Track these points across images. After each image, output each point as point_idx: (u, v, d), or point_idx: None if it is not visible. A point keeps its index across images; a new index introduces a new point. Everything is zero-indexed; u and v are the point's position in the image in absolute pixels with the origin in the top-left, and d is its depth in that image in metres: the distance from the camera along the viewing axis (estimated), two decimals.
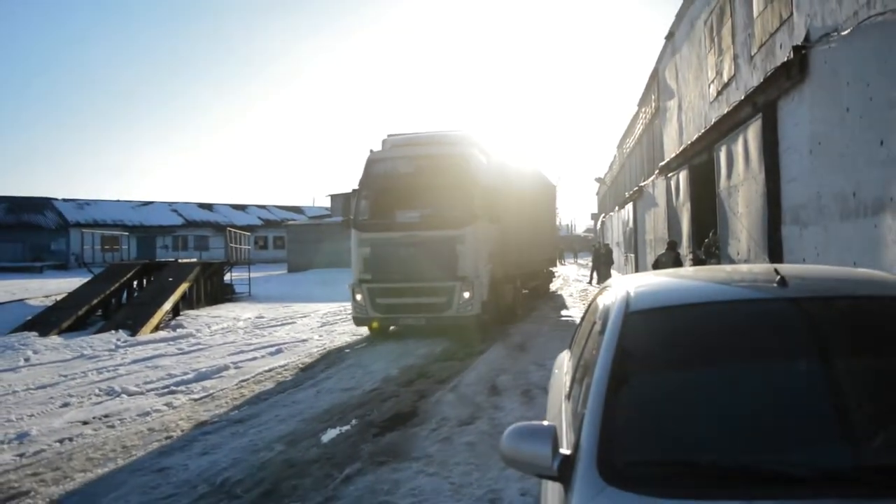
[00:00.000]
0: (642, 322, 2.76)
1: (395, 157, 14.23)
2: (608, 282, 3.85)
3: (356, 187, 14.44)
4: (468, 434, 6.73)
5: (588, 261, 36.18)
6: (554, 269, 28.41)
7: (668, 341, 2.73)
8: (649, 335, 2.75)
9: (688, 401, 2.47)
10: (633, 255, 28.52)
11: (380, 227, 13.64)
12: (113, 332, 14.89)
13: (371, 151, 14.44)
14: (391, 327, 14.25)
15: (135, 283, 21.01)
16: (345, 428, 7.21)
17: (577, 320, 4.53)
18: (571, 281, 33.39)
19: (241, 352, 12.54)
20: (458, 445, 6.38)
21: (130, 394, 9.12)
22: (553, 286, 27.45)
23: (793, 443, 2.25)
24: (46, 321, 15.91)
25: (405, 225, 13.40)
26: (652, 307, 2.91)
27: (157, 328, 16.25)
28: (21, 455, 6.56)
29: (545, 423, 2.51)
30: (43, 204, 62.84)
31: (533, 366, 10.24)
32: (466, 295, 12.91)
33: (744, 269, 4.62)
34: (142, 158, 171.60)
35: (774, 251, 9.58)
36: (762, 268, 3.53)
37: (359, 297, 13.44)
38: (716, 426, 2.33)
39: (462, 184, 13.31)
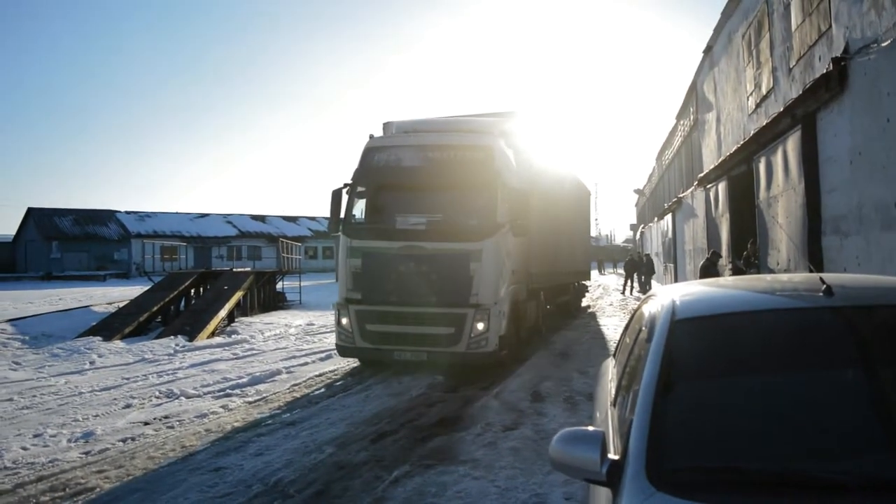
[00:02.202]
0: (689, 330, 2.80)
1: (400, 145, 11.12)
2: (653, 290, 3.89)
3: (348, 181, 11.10)
4: (512, 439, 6.80)
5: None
6: (587, 283, 24.69)
7: (715, 349, 2.77)
8: (696, 343, 2.79)
9: (735, 407, 2.50)
10: (672, 265, 28.34)
11: (375, 233, 10.57)
12: (172, 337, 15.32)
13: (370, 137, 11.34)
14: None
15: (192, 291, 21.57)
16: (393, 431, 7.34)
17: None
18: (611, 290, 33.13)
19: (293, 357, 12.79)
20: (502, 450, 6.45)
21: (188, 396, 9.41)
22: (588, 299, 26.83)
23: (839, 450, 2.28)
24: (110, 326, 16.47)
25: (407, 233, 10.28)
26: (698, 315, 2.95)
27: (213, 334, 16.65)
28: (87, 453, 6.84)
29: (594, 428, 2.57)
30: (107, 216, 65.02)
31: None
32: (480, 327, 9.87)
33: (785, 278, 4.61)
34: (198, 172, 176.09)
35: (815, 261, 9.46)
36: (805, 277, 3.54)
37: (344, 321, 10.47)
38: (763, 433, 2.36)
39: (483, 183, 10.33)
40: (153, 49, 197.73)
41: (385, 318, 10.26)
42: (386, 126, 12.05)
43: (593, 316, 20.40)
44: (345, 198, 10.96)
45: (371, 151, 11.05)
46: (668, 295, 3.20)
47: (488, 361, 10.08)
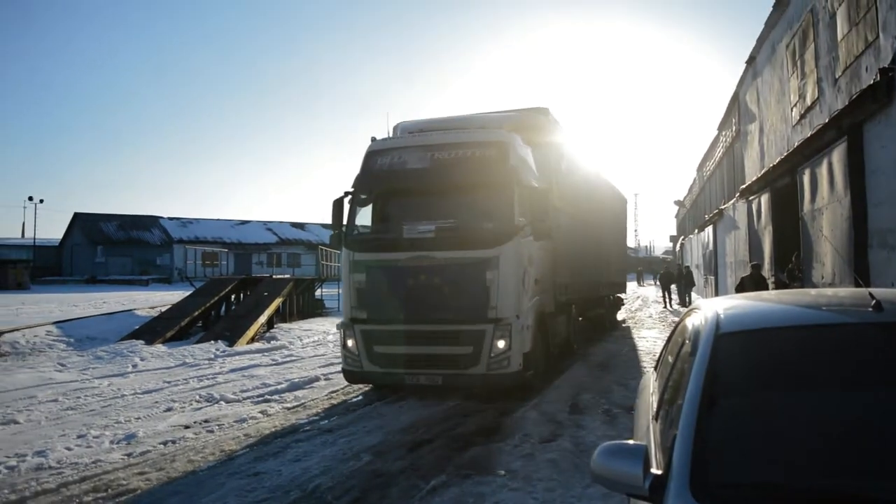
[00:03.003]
0: (733, 344, 2.76)
1: (404, 146, 10.02)
2: (695, 303, 3.84)
3: (350, 188, 9.99)
4: (550, 451, 6.75)
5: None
6: (622, 296, 23.27)
7: (761, 364, 2.72)
8: (741, 357, 2.74)
9: (781, 424, 2.46)
10: (712, 278, 27.99)
11: (379, 244, 9.58)
12: (212, 342, 15.53)
13: (372, 140, 10.33)
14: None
15: (232, 296, 21.84)
16: (429, 440, 7.33)
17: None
18: (651, 302, 32.76)
19: (331, 364, 12.86)
20: (540, 462, 6.41)
21: (228, 401, 9.53)
22: (626, 311, 26.57)
23: (886, 470, 2.23)
24: (152, 330, 16.75)
25: (415, 242, 9.24)
26: (743, 329, 2.91)
27: (252, 340, 16.84)
28: (129, 455, 6.96)
29: (637, 442, 2.54)
30: (150, 222, 66.30)
31: None
32: (501, 345, 8.77)
33: (831, 292, 4.52)
34: (239, 180, 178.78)
35: (861, 275, 9.26)
36: (852, 291, 3.47)
37: (350, 342, 9.41)
38: (809, 450, 2.31)
39: (497, 183, 9.23)
40: (199, 62, 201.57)
41: (394, 339, 9.14)
42: (395, 129, 11.28)
43: (632, 328, 20.19)
44: (346, 207, 9.94)
45: (373, 155, 9.97)
46: (712, 308, 3.16)
47: (512, 384, 9.02)
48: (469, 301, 8.92)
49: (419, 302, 9.07)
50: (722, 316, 2.97)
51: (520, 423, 7.97)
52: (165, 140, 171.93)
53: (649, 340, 16.45)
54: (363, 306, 9.43)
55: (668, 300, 28.99)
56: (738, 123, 23.05)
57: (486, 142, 9.56)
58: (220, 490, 5.86)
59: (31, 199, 71.25)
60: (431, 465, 6.41)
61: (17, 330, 16.23)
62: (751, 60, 19.12)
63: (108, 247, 62.06)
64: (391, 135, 10.92)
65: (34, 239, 67.73)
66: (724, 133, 28.19)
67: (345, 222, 9.86)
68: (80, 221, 64.34)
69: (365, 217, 10.11)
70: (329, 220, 10.07)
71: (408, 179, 9.66)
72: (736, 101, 23.04)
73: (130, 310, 22.08)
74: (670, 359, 3.70)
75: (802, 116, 13.59)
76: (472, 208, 9.40)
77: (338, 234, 9.84)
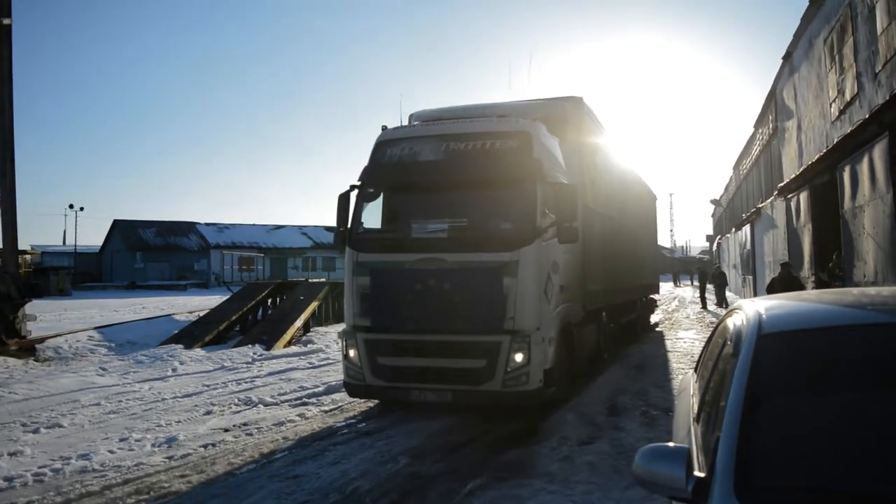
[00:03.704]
0: (777, 344, 2.72)
1: (416, 136, 9.04)
2: (737, 303, 3.79)
3: (356, 182, 9.02)
4: (588, 453, 6.70)
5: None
6: (655, 297, 22.26)
7: (806, 365, 2.68)
8: (785, 358, 2.70)
9: (826, 426, 2.41)
10: (750, 278, 27.60)
11: (386, 245, 8.72)
12: (250, 346, 15.69)
13: (383, 129, 9.31)
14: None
15: (269, 301, 22.03)
16: (467, 443, 7.32)
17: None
18: (688, 303, 32.38)
19: None
20: (578, 464, 6.36)
21: (266, 404, 9.62)
22: (663, 311, 26.31)
23: None
24: (191, 335, 16.98)
25: (425, 243, 8.38)
26: (786, 330, 2.87)
27: (289, 343, 16.97)
28: (170, 458, 7.06)
29: (678, 444, 2.52)
30: (187, 227, 67.39)
31: None
32: (519, 358, 7.78)
33: (874, 291, 4.41)
34: (273, 185, 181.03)
35: None
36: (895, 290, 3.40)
37: (352, 353, 8.50)
38: (854, 454, 2.26)
39: (518, 178, 8.26)
40: (233, 67, 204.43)
41: (400, 350, 8.32)
42: (410, 118, 10.44)
43: (669, 329, 19.97)
44: (353, 203, 9.00)
45: (382, 146, 8.99)
46: (753, 308, 3.11)
47: (530, 403, 8.06)
48: (483, 310, 7.99)
49: (428, 309, 8.14)
50: (764, 316, 2.92)
51: (557, 425, 7.92)
52: (201, 146, 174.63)
53: (686, 341, 16.27)
54: (366, 313, 8.48)
55: (706, 300, 28.64)
56: (775, 120, 22.76)
57: (507, 132, 8.56)
58: (259, 493, 5.91)
59: (71, 206, 72.81)
60: (469, 468, 6.40)
61: (60, 335, 16.57)
62: (787, 56, 18.85)
63: (146, 253, 63.24)
64: (406, 124, 10.01)
65: (75, 246, 69.28)
66: (760, 130, 27.84)
67: (350, 219, 8.94)
68: (120, 228, 65.62)
69: (372, 214, 9.21)
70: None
71: (418, 173, 8.72)
72: (772, 98, 22.74)
73: (169, 314, 22.42)
74: (711, 360, 3.66)
75: (842, 112, 13.37)
76: (490, 206, 8.55)
77: (342, 233, 8.87)
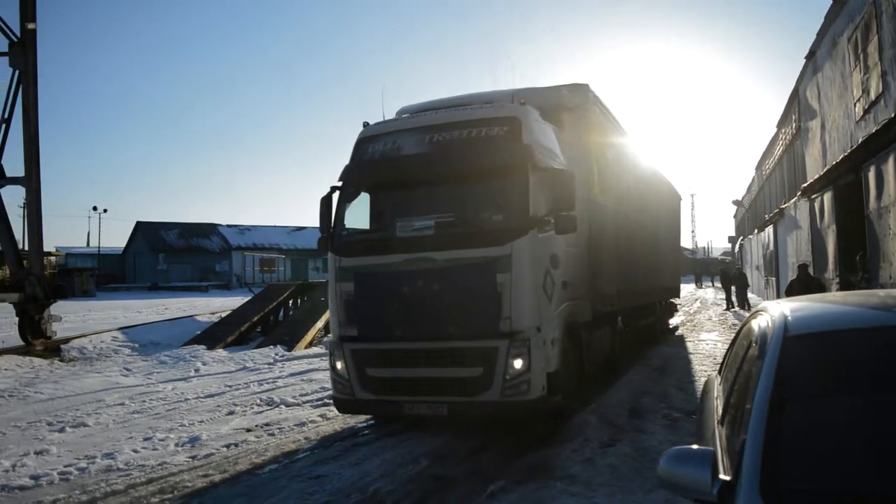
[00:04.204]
0: (803, 346, 2.70)
1: (398, 130, 8.36)
2: (761, 305, 3.76)
3: (337, 182, 8.40)
4: (610, 456, 6.67)
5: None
6: (676, 301, 21.32)
7: (832, 367, 2.66)
8: (811, 360, 2.68)
9: (853, 429, 2.39)
10: (773, 279, 27.34)
11: (368, 246, 8.01)
12: (271, 347, 15.79)
13: (364, 125, 8.64)
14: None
15: (290, 302, 22.16)
16: (488, 445, 7.31)
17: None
18: (710, 304, 32.13)
19: None
20: (600, 467, 6.34)
21: (288, 405, 9.67)
22: (685, 313, 26.09)
23: None
24: (213, 336, 17.13)
25: (410, 242, 7.68)
26: (812, 331, 2.84)
27: (310, 344, 17.05)
28: (193, 457, 7.13)
29: (703, 447, 2.51)
30: (209, 229, 67.93)
31: None
32: (518, 364, 7.03)
33: None
34: (293, 187, 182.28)
35: None
36: None
37: (339, 365, 7.81)
38: (883, 455, 2.24)
39: (508, 167, 7.54)
40: (252, 71, 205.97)
41: (390, 359, 7.65)
42: (399, 113, 9.79)
43: (691, 331, 19.83)
44: (335, 205, 8.40)
45: (363, 143, 8.38)
46: (779, 310, 3.09)
47: (533, 413, 7.28)
48: (477, 311, 7.24)
49: (417, 314, 7.45)
50: (790, 318, 2.90)
51: (579, 427, 7.88)
52: (223, 148, 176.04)
53: (709, 343, 16.14)
54: (352, 321, 7.81)
55: (729, 302, 28.38)
56: (798, 120, 22.55)
57: (494, 118, 7.86)
58: (281, 493, 5.95)
59: (95, 208, 73.74)
60: (490, 470, 6.39)
61: (85, 336, 16.79)
62: (810, 55, 18.66)
63: (169, 254, 63.82)
64: (390, 119, 9.18)
65: (99, 247, 70.09)
66: (783, 130, 27.60)
67: (333, 222, 8.32)
68: (143, 230, 66.27)
69: (358, 216, 8.59)
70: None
71: (401, 168, 8.10)
72: (795, 98, 22.52)
73: (192, 316, 22.62)
74: (735, 362, 3.63)
75: (866, 111, 13.21)
76: (479, 198, 7.92)
77: (325, 238, 8.27)
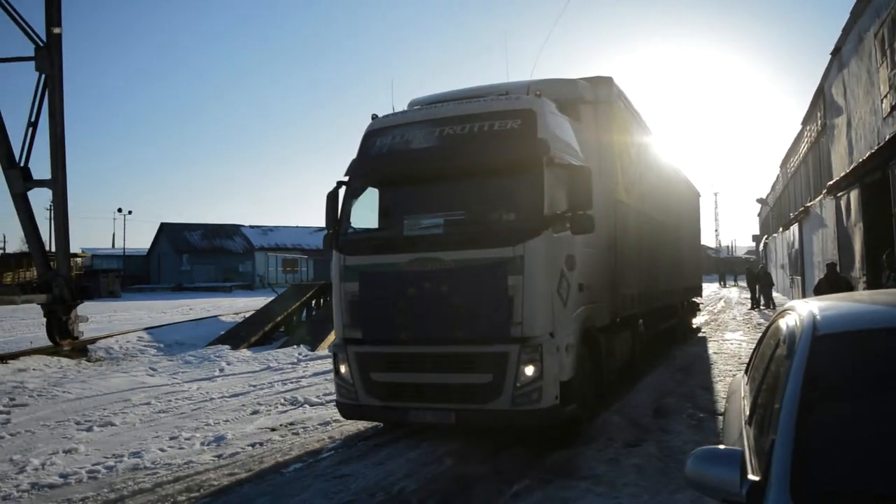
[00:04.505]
0: (833, 346, 2.68)
1: (407, 123, 8.01)
2: (789, 304, 3.73)
3: (343, 178, 8.05)
4: (635, 456, 6.64)
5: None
6: (699, 300, 20.84)
7: (863, 366, 2.63)
8: (841, 360, 2.66)
9: (885, 429, 2.36)
10: (799, 278, 27.04)
11: (375, 245, 7.70)
12: (295, 346, 15.88)
13: (373, 118, 8.28)
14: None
15: (313, 302, 22.27)
16: (511, 445, 7.30)
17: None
18: (734, 304, 31.86)
19: None
20: (625, 467, 6.31)
21: (312, 404, 9.72)
22: (709, 313, 25.87)
23: None
24: (237, 335, 17.27)
25: (418, 241, 7.36)
26: (843, 330, 2.82)
27: None
28: (219, 456, 7.19)
29: (732, 447, 2.49)
30: (232, 230, 68.49)
31: None
32: (529, 371, 6.66)
33: None
34: (317, 188, 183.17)
35: None
36: None
37: (342, 369, 7.50)
38: None
39: (521, 163, 7.16)
40: (282, 72, 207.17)
41: (395, 364, 7.31)
42: (409, 105, 9.40)
43: (716, 330, 19.67)
44: (341, 201, 8.06)
45: (371, 136, 8.02)
46: (807, 309, 3.06)
47: (545, 423, 6.89)
48: (487, 315, 6.88)
49: (423, 317, 7.11)
50: (818, 317, 2.87)
51: (603, 427, 7.85)
52: (245, 149, 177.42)
53: (734, 343, 16.00)
54: (357, 323, 7.48)
55: (755, 301, 28.10)
56: (823, 117, 22.30)
57: (507, 110, 7.48)
58: (306, 492, 5.99)
59: (120, 210, 74.82)
60: (515, 469, 6.39)
61: (111, 336, 16.99)
62: (836, 52, 18.43)
63: (192, 255, 64.41)
64: (398, 111, 8.76)
65: (124, 249, 70.90)
66: (808, 128, 27.31)
67: (339, 219, 7.98)
68: (167, 231, 66.94)
69: (367, 213, 8.26)
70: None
71: (409, 162, 7.72)
72: (821, 95, 22.27)
73: (216, 316, 22.80)
74: (763, 361, 3.60)
75: (894, 108, 13.03)
76: (490, 195, 7.53)
77: (329, 234, 7.95)
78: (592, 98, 9.06)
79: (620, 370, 9.78)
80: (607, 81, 9.35)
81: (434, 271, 7.05)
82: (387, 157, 7.80)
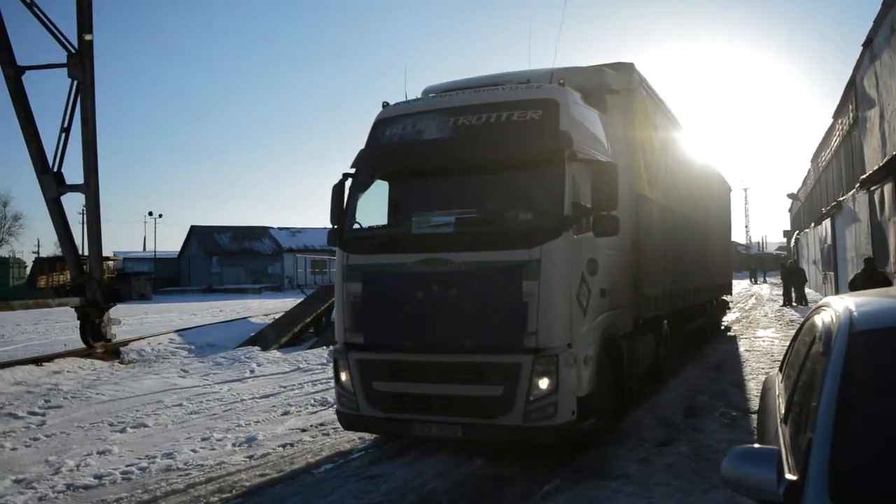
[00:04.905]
0: (870, 342, 2.63)
1: (420, 111, 7.45)
2: (824, 300, 3.66)
3: (350, 170, 7.53)
4: (667, 455, 6.57)
5: (779, 279, 34.60)
6: (728, 298, 20.13)
7: None
8: (879, 356, 2.62)
9: None
10: (832, 274, 26.61)
11: (380, 243, 7.26)
12: (324, 347, 15.91)
13: (384, 106, 7.77)
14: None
15: None
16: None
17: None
18: (765, 300, 31.45)
19: None
20: (657, 466, 6.25)
21: None
22: (740, 310, 25.52)
23: None
24: (267, 337, 17.39)
25: (427, 241, 6.89)
26: (880, 327, 2.77)
27: None
28: (250, 457, 7.23)
29: (768, 446, 2.46)
30: (261, 232, 69.09)
31: None
32: (544, 385, 6.17)
33: None
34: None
35: None
36: None
37: (343, 376, 7.02)
38: None
39: (541, 158, 6.65)
40: (309, 73, 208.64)
41: (399, 373, 6.79)
42: (424, 93, 8.84)
43: (747, 327, 19.43)
44: (347, 194, 7.55)
45: (381, 125, 7.49)
46: (843, 305, 3.01)
47: (560, 439, 6.38)
48: (499, 323, 6.37)
49: (430, 323, 6.59)
50: (855, 313, 2.82)
51: (634, 426, 7.79)
52: (272, 151, 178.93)
53: (766, 341, 15.80)
54: (359, 327, 6.96)
55: (787, 298, 27.70)
56: (855, 110, 21.95)
57: (527, 100, 6.93)
58: (337, 492, 6.01)
59: (150, 213, 75.68)
60: (545, 469, 6.35)
61: (143, 338, 17.20)
62: (867, 43, 18.14)
63: (222, 257, 65.07)
64: (411, 99, 8.20)
65: (154, 251, 71.90)
66: (840, 121, 26.90)
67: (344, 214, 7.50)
68: (197, 234, 67.71)
69: (377, 208, 7.77)
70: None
71: (420, 154, 7.18)
72: (853, 87, 21.93)
73: (245, 317, 22.99)
74: (798, 359, 3.55)
75: None
76: (507, 192, 7.03)
77: (334, 231, 7.48)
78: (620, 87, 8.48)
79: (644, 375, 9.21)
80: (628, 68, 8.77)
81: (443, 273, 6.57)
82: (396, 147, 7.30)
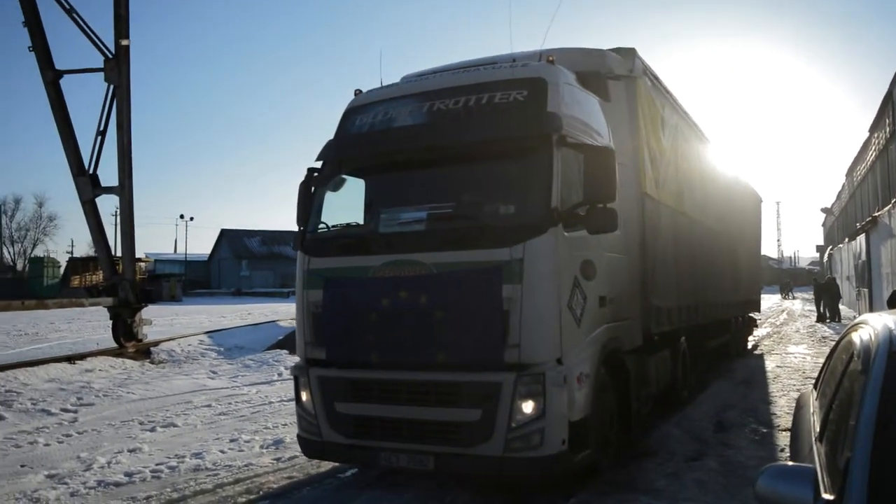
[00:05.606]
0: None
1: (393, 97, 6.62)
2: (862, 317, 3.61)
3: (314, 165, 6.76)
4: (696, 470, 6.49)
5: (810, 294, 34.09)
6: (756, 315, 18.91)
7: None
8: None
9: None
10: (866, 290, 26.13)
11: (344, 245, 6.40)
12: None
13: (356, 94, 7.01)
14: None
15: None
16: None
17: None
18: (797, 316, 30.97)
19: None
20: (686, 481, 6.18)
21: None
22: (771, 324, 25.19)
23: None
24: (295, 341, 17.46)
25: (395, 240, 6.07)
26: None
27: None
28: (277, 459, 7.29)
29: (803, 464, 2.43)
30: (290, 236, 69.21)
31: None
32: (528, 408, 5.28)
33: None
34: None
35: None
36: None
37: (304, 396, 6.29)
38: None
39: (525, 144, 5.83)
40: (337, 78, 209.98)
41: (364, 393, 5.92)
42: (404, 80, 7.73)
43: (778, 343, 19.16)
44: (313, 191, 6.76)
45: (351, 114, 6.74)
46: (882, 322, 2.96)
47: (547, 474, 5.53)
48: (476, 333, 5.44)
49: (398, 334, 5.74)
50: (895, 331, 2.77)
51: (663, 440, 7.71)
52: (300, 156, 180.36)
53: (797, 357, 15.56)
54: (321, 341, 6.17)
55: (821, 314, 27.22)
56: (892, 124, 21.64)
57: (512, 79, 6.08)
58: (361, 497, 6.03)
59: (182, 216, 76.53)
60: (571, 482, 6.27)
61: (173, 339, 17.42)
62: None
63: (251, 261, 65.72)
64: (385, 85, 7.17)
65: (185, 254, 72.71)
66: (876, 135, 26.49)
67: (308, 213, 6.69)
68: (227, 237, 68.48)
69: (342, 206, 6.83)
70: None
71: (390, 143, 6.33)
72: (889, 100, 21.61)
73: (274, 321, 23.13)
74: (834, 377, 3.50)
75: None
76: (487, 183, 6.13)
77: (300, 234, 6.69)
78: (620, 71, 7.54)
79: (658, 396, 8.33)
80: (630, 52, 7.82)
81: (412, 278, 5.71)
82: (364, 137, 6.53)
